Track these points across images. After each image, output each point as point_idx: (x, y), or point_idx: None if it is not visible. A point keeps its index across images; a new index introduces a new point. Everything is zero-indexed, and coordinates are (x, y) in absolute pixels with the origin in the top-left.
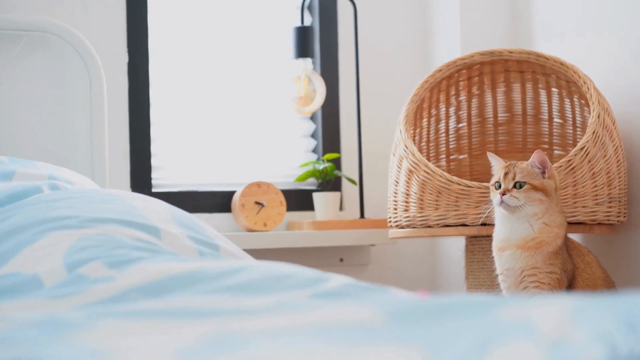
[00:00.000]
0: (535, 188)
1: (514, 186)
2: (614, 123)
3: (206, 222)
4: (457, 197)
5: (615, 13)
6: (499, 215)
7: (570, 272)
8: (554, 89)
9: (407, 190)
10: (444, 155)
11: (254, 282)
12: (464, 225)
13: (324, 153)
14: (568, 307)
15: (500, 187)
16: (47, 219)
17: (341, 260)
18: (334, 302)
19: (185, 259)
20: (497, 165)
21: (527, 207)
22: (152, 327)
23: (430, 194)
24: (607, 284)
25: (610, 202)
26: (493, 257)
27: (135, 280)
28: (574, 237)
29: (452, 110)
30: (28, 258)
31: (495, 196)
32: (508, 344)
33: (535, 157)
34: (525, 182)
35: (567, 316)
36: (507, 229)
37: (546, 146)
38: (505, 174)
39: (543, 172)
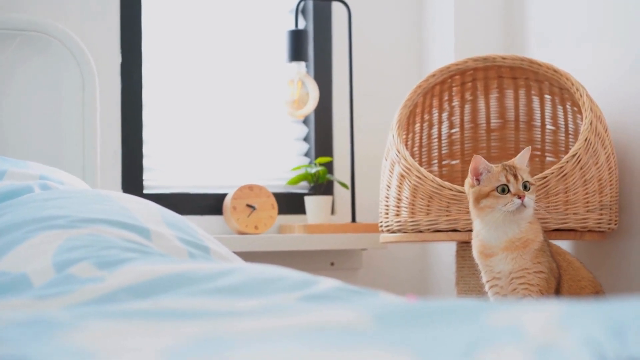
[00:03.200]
0: (535, 187)
1: (524, 188)
2: (606, 130)
3: (197, 225)
4: (448, 203)
5: (612, 24)
6: (491, 220)
7: (555, 272)
8: (546, 96)
9: (399, 195)
10: (436, 161)
11: (244, 284)
12: (455, 230)
13: (317, 157)
14: (556, 312)
15: (505, 190)
16: (37, 219)
17: (332, 264)
18: (323, 305)
19: (175, 261)
20: (487, 169)
21: (532, 208)
22: (140, 328)
23: (422, 199)
24: (594, 285)
25: (601, 209)
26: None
27: (125, 281)
28: (565, 243)
29: (445, 115)
30: (17, 257)
31: (502, 201)
32: (495, 349)
33: (526, 155)
34: (529, 183)
35: (555, 321)
36: (493, 233)
37: (538, 152)
38: (514, 176)
39: None
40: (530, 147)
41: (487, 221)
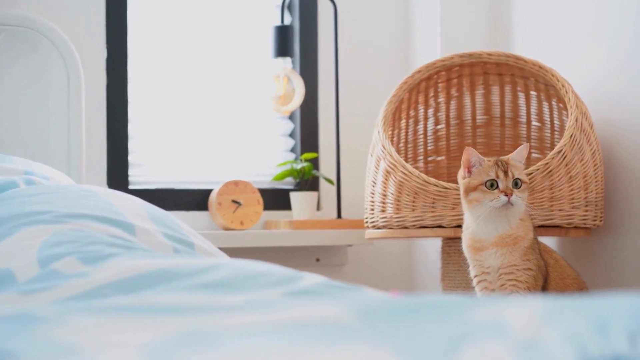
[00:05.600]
0: (527, 185)
1: (514, 185)
2: (591, 127)
3: (183, 220)
4: (434, 199)
5: (599, 21)
6: (478, 214)
7: (543, 269)
8: (532, 92)
9: (384, 191)
10: (421, 157)
11: (228, 279)
12: (440, 226)
13: (302, 152)
14: (540, 308)
15: (493, 185)
16: (21, 214)
17: (318, 260)
18: (307, 301)
19: (160, 256)
20: (479, 161)
21: (523, 205)
22: (125, 323)
23: (407, 195)
24: (578, 283)
25: (586, 205)
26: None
27: (109, 277)
28: (550, 240)
29: (430, 111)
30: (2, 253)
31: (489, 196)
32: (478, 344)
33: (523, 152)
34: (521, 181)
35: (538, 317)
36: (483, 227)
37: None
38: (505, 173)
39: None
40: (527, 144)
41: (476, 215)
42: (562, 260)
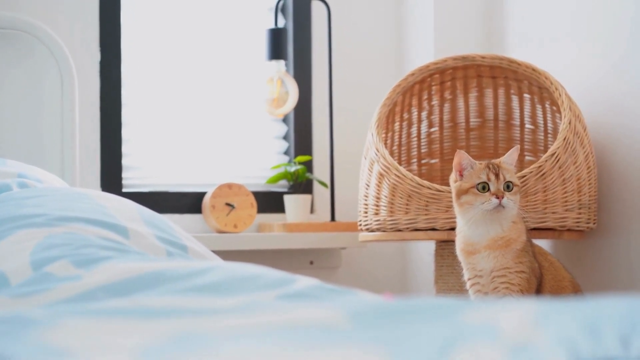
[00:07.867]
0: (518, 188)
1: (506, 188)
2: (585, 130)
3: (176, 223)
4: (427, 202)
5: (593, 24)
6: (470, 217)
7: (537, 272)
8: (525, 95)
9: (378, 193)
10: (415, 160)
11: (221, 282)
12: (433, 229)
13: (296, 155)
14: (532, 311)
15: (485, 188)
16: (15, 217)
17: (311, 263)
18: (300, 304)
19: (153, 259)
20: (471, 164)
21: (515, 209)
22: (117, 326)
23: (401, 197)
24: (574, 285)
25: (580, 208)
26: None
27: (102, 279)
28: (543, 242)
29: (424, 114)
30: None
31: (481, 199)
32: (471, 347)
33: (514, 154)
34: (512, 183)
35: (530, 320)
36: (475, 230)
37: None
38: (496, 175)
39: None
40: (518, 146)
41: (468, 218)
42: (557, 262)
